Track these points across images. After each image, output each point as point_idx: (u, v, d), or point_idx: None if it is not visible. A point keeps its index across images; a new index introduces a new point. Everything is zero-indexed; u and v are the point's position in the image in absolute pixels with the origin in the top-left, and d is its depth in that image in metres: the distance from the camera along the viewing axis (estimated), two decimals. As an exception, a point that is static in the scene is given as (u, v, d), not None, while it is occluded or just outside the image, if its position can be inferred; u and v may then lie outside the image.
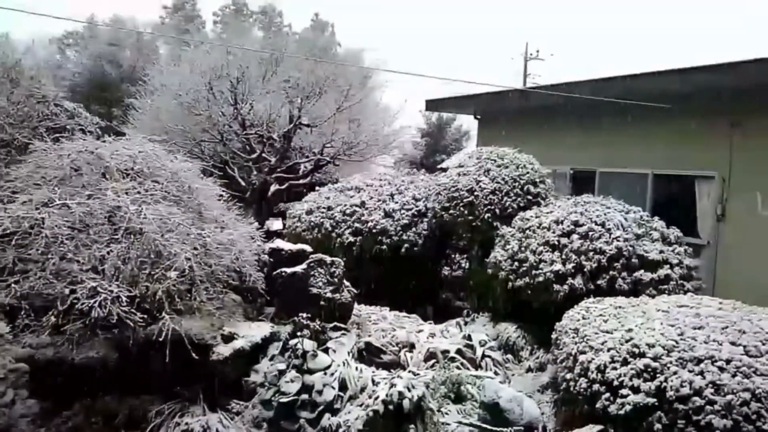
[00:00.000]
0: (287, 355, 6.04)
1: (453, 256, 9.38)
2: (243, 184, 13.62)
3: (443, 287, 9.43)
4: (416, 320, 8.28)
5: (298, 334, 6.30)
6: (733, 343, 4.81)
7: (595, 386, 4.98)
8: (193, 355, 5.22)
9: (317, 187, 12.21)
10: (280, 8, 36.47)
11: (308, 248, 7.72)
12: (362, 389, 5.81)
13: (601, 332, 5.40)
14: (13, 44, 17.67)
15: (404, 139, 19.68)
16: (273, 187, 13.87)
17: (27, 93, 7.96)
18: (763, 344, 4.80)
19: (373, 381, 5.91)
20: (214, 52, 13.94)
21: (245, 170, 14.28)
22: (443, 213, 9.31)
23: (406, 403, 5.30)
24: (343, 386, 5.79)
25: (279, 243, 7.72)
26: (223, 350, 5.92)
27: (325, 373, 5.86)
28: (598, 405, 4.92)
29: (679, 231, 8.02)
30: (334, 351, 6.31)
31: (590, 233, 7.43)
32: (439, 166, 20.56)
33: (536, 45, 44.62)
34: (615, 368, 4.93)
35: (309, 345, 6.08)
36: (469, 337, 7.25)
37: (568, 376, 5.36)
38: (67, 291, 4.88)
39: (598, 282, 7.15)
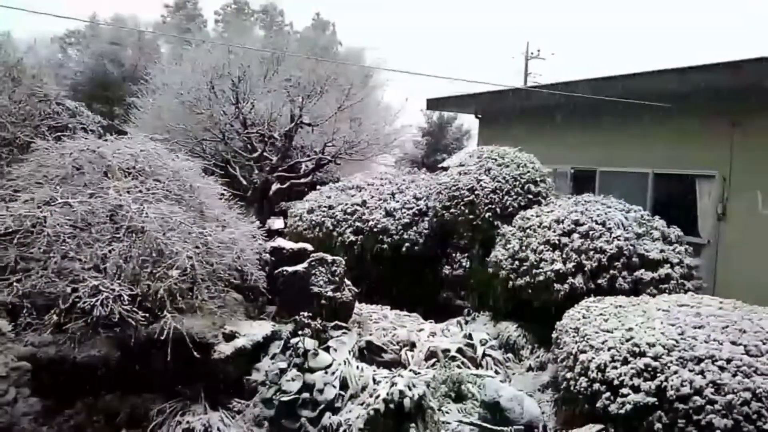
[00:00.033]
0: (288, 354, 6.05)
1: (454, 255, 9.39)
2: (244, 183, 13.63)
3: (444, 286, 9.44)
4: (417, 319, 8.28)
5: (299, 332, 6.32)
6: (733, 343, 4.82)
7: (596, 385, 4.99)
8: (195, 353, 5.25)
9: (318, 186, 12.22)
10: (281, 7, 36.49)
11: (309, 247, 7.73)
12: (363, 388, 5.82)
13: (601, 331, 5.41)
14: (15, 43, 17.68)
15: (405, 138, 19.67)
16: (274, 186, 13.88)
17: (29, 92, 7.97)
18: (764, 344, 4.81)
19: (374, 380, 5.91)
20: (216, 51, 13.93)
21: (247, 169, 14.29)
22: (444, 212, 9.32)
23: (406, 401, 5.30)
24: (344, 385, 5.80)
25: (280, 242, 7.73)
26: (225, 349, 5.93)
27: (326, 372, 5.87)
28: (598, 404, 4.93)
29: (679, 230, 8.03)
30: (335, 350, 6.32)
31: (591, 232, 7.44)
32: (440, 165, 20.55)
33: (537, 44, 44.58)
34: (615, 367, 4.94)
35: (310, 344, 6.09)
36: (470, 336, 7.25)
37: (569, 375, 5.37)
38: (68, 289, 4.89)
39: (599, 281, 7.16)
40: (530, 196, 9.08)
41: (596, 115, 11.32)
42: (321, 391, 5.67)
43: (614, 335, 5.24)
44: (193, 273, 5.38)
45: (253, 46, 14.48)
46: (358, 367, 6.10)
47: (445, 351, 6.80)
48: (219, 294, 5.99)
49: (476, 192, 9.02)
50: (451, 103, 15.96)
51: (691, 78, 9.40)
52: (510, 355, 7.31)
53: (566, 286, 7.14)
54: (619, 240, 7.31)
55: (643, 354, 4.86)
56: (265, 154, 13.70)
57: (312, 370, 5.86)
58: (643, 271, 7.22)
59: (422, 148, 28.19)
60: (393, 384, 5.48)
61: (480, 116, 15.46)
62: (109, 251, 5.12)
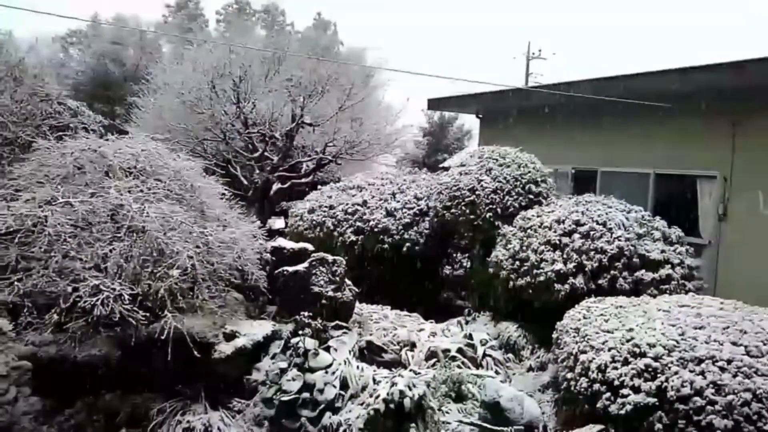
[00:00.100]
0: (289, 354, 6.05)
1: (454, 255, 9.39)
2: (245, 182, 13.63)
3: (444, 286, 9.45)
4: (417, 319, 8.29)
5: (300, 332, 6.32)
6: (734, 343, 4.82)
7: (596, 386, 4.99)
8: (195, 353, 5.25)
9: (319, 186, 12.23)
10: (282, 7, 36.54)
11: (310, 247, 7.73)
12: (363, 388, 5.82)
13: (602, 332, 5.40)
14: (17, 42, 17.69)
15: (406, 138, 19.68)
16: (275, 186, 13.88)
17: (30, 91, 7.98)
18: (765, 344, 4.80)
19: (374, 380, 5.92)
20: (217, 50, 13.94)
21: (247, 169, 14.29)
22: (445, 212, 9.32)
23: (407, 402, 5.31)
24: (344, 385, 5.80)
25: (281, 242, 7.73)
26: (225, 348, 5.94)
27: (327, 372, 5.88)
28: (598, 404, 4.92)
29: (680, 231, 8.02)
30: (336, 350, 6.32)
31: (591, 233, 7.43)
32: (440, 165, 20.55)
33: (538, 44, 44.64)
34: (616, 368, 4.94)
35: (310, 343, 6.09)
36: (470, 336, 7.26)
37: (569, 375, 5.37)
38: (69, 289, 4.89)
39: (600, 281, 7.16)
40: (531, 197, 9.07)
41: (597, 115, 11.32)
42: (321, 391, 5.68)
43: (615, 336, 5.23)
44: (194, 272, 5.38)
45: (255, 46, 14.48)
46: (358, 367, 6.11)
47: (446, 351, 6.80)
48: (219, 294, 5.99)
49: (477, 192, 9.01)
50: (452, 103, 15.96)
51: (693, 78, 9.40)
52: (510, 355, 7.30)
53: (567, 286, 7.14)
54: (619, 240, 7.31)
55: (643, 354, 4.86)
56: (266, 153, 13.70)
57: (312, 370, 5.86)
58: (643, 271, 7.22)
59: (423, 148, 28.20)
60: (393, 384, 5.48)
61: (481, 116, 15.45)
62: (110, 251, 5.13)
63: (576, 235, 7.47)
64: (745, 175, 9.05)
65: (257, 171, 13.86)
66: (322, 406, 5.59)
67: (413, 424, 5.32)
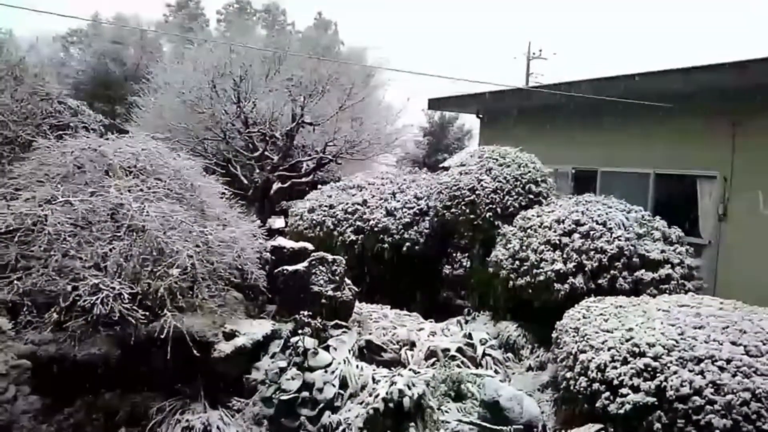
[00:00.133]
0: (288, 353, 6.05)
1: (454, 254, 9.39)
2: (245, 182, 13.63)
3: (444, 286, 9.45)
4: (417, 318, 8.29)
5: (299, 331, 6.32)
6: (733, 343, 4.82)
7: (595, 385, 4.99)
8: (195, 352, 5.25)
9: (319, 186, 12.24)
10: (283, 7, 36.56)
11: (310, 246, 7.73)
12: (363, 387, 5.83)
13: (601, 331, 5.41)
14: (17, 42, 17.68)
15: (406, 137, 19.67)
16: (275, 186, 13.88)
17: (31, 90, 7.99)
18: (764, 344, 4.80)
19: (373, 379, 5.92)
20: (218, 50, 13.93)
21: (248, 168, 14.29)
22: (445, 212, 9.32)
23: (406, 401, 5.31)
24: (343, 384, 5.80)
25: (281, 241, 7.73)
26: (225, 348, 5.94)
27: (326, 371, 5.88)
28: (598, 404, 4.93)
29: (680, 230, 8.02)
30: (335, 349, 6.33)
31: (591, 232, 7.43)
32: (441, 165, 20.55)
33: (539, 44, 44.55)
34: (615, 367, 4.94)
35: (310, 343, 6.10)
36: (470, 336, 7.26)
37: (569, 374, 5.37)
38: (69, 288, 4.90)
39: (599, 281, 7.16)
40: (531, 196, 9.07)
41: (597, 115, 11.31)
42: (320, 390, 5.68)
43: (614, 335, 5.24)
44: (194, 272, 5.38)
45: (255, 46, 14.47)
46: (357, 366, 6.11)
47: (445, 350, 6.80)
48: (219, 293, 6.00)
49: (477, 192, 9.01)
50: (452, 103, 15.97)
51: (693, 78, 9.40)
52: (510, 354, 7.31)
53: (566, 286, 7.14)
54: (619, 240, 7.31)
55: (642, 354, 4.86)
56: (266, 153, 13.70)
57: (312, 369, 5.87)
58: (643, 271, 7.22)
59: (423, 148, 28.20)
60: (392, 383, 5.49)
61: (481, 116, 15.46)
62: (110, 250, 5.13)
63: (576, 235, 7.47)
64: (745, 175, 9.05)
65: (257, 170, 13.86)
66: (322, 405, 5.60)
67: (412, 423, 5.33)
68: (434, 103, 16.41)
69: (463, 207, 9.05)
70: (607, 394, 4.88)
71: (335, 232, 9.92)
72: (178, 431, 5.31)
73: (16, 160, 6.49)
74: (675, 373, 4.63)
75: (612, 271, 7.17)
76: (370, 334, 7.12)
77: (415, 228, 9.71)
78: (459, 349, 6.86)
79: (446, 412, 5.77)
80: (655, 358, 4.78)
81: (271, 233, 10.33)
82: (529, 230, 7.98)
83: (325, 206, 10.41)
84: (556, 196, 9.31)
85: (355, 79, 14.25)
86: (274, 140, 13.80)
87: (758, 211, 8.75)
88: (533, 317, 7.57)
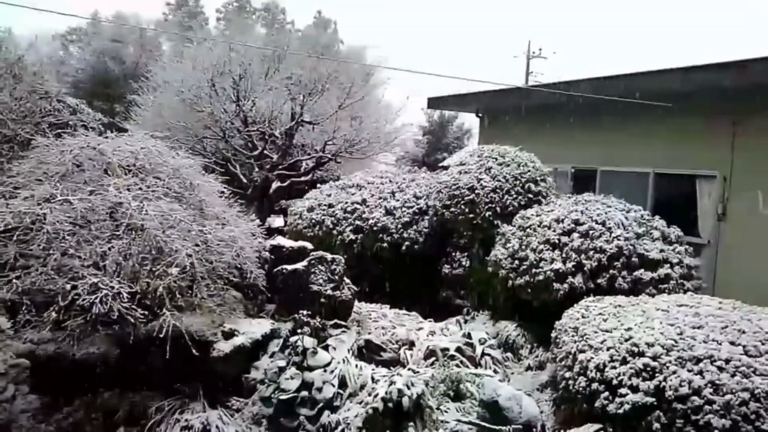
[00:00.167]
0: (287, 352, 6.05)
1: (453, 254, 9.40)
2: (245, 181, 13.61)
3: (443, 285, 9.45)
4: (416, 318, 8.29)
5: (299, 331, 6.32)
6: (732, 343, 4.82)
7: (594, 385, 4.99)
8: (194, 351, 5.24)
9: (319, 185, 12.23)
10: (282, 5, 36.57)
11: (309, 245, 7.73)
12: (362, 387, 5.82)
13: (600, 331, 5.40)
14: (16, 40, 17.65)
15: (406, 136, 19.64)
16: (274, 185, 13.86)
17: (30, 89, 7.98)
18: (763, 344, 4.80)
19: (372, 378, 5.92)
20: (217, 48, 13.91)
21: (247, 167, 14.27)
22: (444, 211, 9.32)
23: (405, 400, 5.31)
24: (342, 384, 5.80)
25: (280, 240, 7.73)
26: (224, 347, 5.94)
27: (325, 371, 5.88)
28: (596, 404, 4.93)
29: (679, 230, 8.02)
30: (334, 348, 6.33)
31: (591, 232, 7.43)
32: (440, 164, 20.54)
33: (539, 43, 44.65)
34: (614, 367, 4.94)
35: (309, 342, 6.09)
36: (469, 335, 7.26)
37: (567, 374, 5.37)
38: (68, 287, 4.89)
39: (598, 281, 7.16)
40: (530, 196, 9.07)
41: (597, 114, 11.31)
42: (320, 390, 5.68)
43: (613, 335, 5.23)
44: (193, 271, 5.38)
45: (255, 44, 14.45)
46: (357, 366, 6.11)
47: (444, 350, 6.80)
48: (218, 292, 5.99)
49: (476, 191, 9.01)
50: (451, 101, 15.96)
51: (693, 77, 9.40)
52: (509, 354, 7.31)
53: (566, 285, 7.14)
54: (618, 240, 7.31)
55: (641, 354, 4.86)
56: (265, 152, 13.68)
57: (311, 369, 5.86)
58: (642, 270, 7.22)
59: (423, 147, 28.21)
60: (392, 383, 5.49)
61: (481, 115, 15.45)
62: (109, 248, 5.12)
63: (575, 235, 7.47)
64: (744, 175, 9.05)
65: (256, 169, 13.85)
66: (321, 404, 5.60)
67: (412, 423, 5.33)
68: (434, 102, 16.40)
69: (463, 206, 9.04)
70: (606, 393, 4.88)
71: (334, 232, 9.92)
72: (177, 431, 5.31)
73: (14, 159, 6.49)
74: (674, 372, 4.63)
75: (611, 271, 7.17)
76: (369, 333, 7.13)
77: (415, 227, 9.71)
78: (458, 349, 6.86)
79: (445, 411, 5.77)
80: (654, 358, 4.78)
81: (270, 232, 10.33)
82: (528, 230, 7.97)
83: (325, 205, 10.41)
84: (555, 196, 9.31)
85: (354, 78, 14.22)
86: (273, 139, 13.78)
87: (758, 211, 8.75)
88: (532, 317, 7.57)
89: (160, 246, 5.29)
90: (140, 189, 5.71)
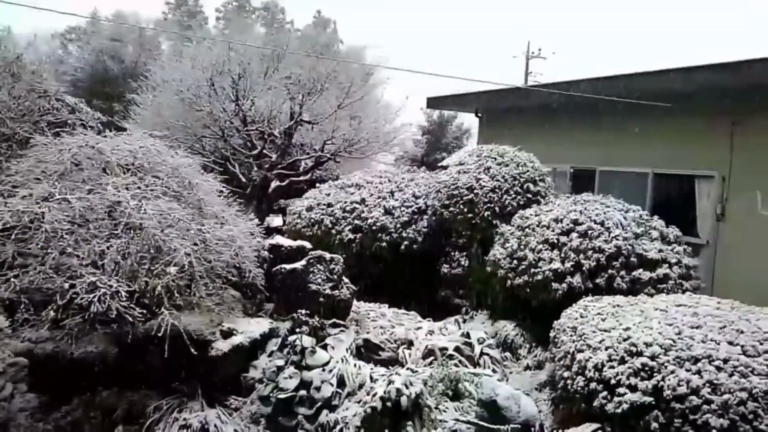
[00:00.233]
0: (286, 352, 6.05)
1: (452, 253, 9.39)
2: (243, 180, 13.60)
3: (442, 285, 9.44)
4: (415, 317, 8.29)
5: (297, 330, 6.32)
6: (730, 343, 4.82)
7: (593, 384, 4.99)
8: (192, 350, 5.24)
9: (318, 184, 12.22)
10: (282, 5, 36.59)
11: (308, 245, 7.73)
12: (360, 386, 5.82)
13: (599, 331, 5.41)
14: (15, 39, 17.64)
15: (405, 136, 19.61)
16: (273, 184, 13.85)
17: (28, 87, 7.97)
18: (761, 344, 4.80)
19: (371, 378, 5.91)
20: (216, 48, 13.89)
21: (246, 166, 14.26)
22: (443, 210, 9.32)
23: (404, 400, 5.31)
24: (341, 383, 5.80)
25: (279, 239, 7.73)
26: (222, 346, 5.94)
27: (324, 370, 5.87)
28: (595, 403, 4.93)
29: (678, 230, 8.03)
30: (333, 347, 6.32)
31: (589, 232, 7.44)
32: (439, 164, 20.54)
33: (538, 43, 44.67)
34: (612, 367, 4.94)
35: (308, 341, 6.09)
36: (468, 335, 7.26)
37: (566, 374, 5.38)
38: (66, 285, 4.88)
39: (597, 280, 7.16)
40: (529, 196, 9.07)
41: (596, 114, 11.32)
42: (318, 389, 5.68)
43: (611, 335, 5.24)
44: (191, 270, 5.37)
45: (254, 44, 14.44)
46: (355, 365, 6.10)
47: (443, 349, 6.80)
48: (217, 291, 5.99)
49: (475, 191, 9.01)
50: (451, 101, 15.96)
51: (692, 78, 9.40)
52: (508, 353, 7.31)
53: (564, 285, 7.14)
54: (617, 240, 7.32)
55: (640, 353, 4.86)
56: (264, 151, 13.67)
57: (309, 368, 5.86)
58: (641, 270, 7.22)
59: (422, 147, 28.20)
60: (390, 382, 5.49)
61: (480, 115, 15.45)
62: (107, 247, 5.11)
63: (574, 234, 7.48)
64: (743, 175, 9.06)
65: (255, 168, 13.83)
66: (319, 403, 5.59)
67: (410, 422, 5.33)
68: (433, 102, 16.40)
69: (462, 206, 9.04)
70: (605, 393, 4.89)
71: (333, 231, 9.92)
72: (175, 429, 5.30)
73: (13, 157, 6.47)
74: (672, 372, 4.63)
75: (610, 271, 7.18)
76: (368, 332, 7.13)
77: (414, 227, 9.71)
78: (457, 348, 6.86)
79: (444, 411, 5.76)
80: (653, 358, 4.78)
81: (269, 232, 10.31)
82: (527, 229, 7.98)
83: (324, 205, 10.41)
84: (554, 196, 9.32)
85: (353, 78, 14.21)
86: (272, 138, 13.77)
87: (756, 211, 8.76)
88: (531, 316, 7.58)
89: (159, 245, 5.28)
90: (139, 188, 5.70)
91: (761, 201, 8.75)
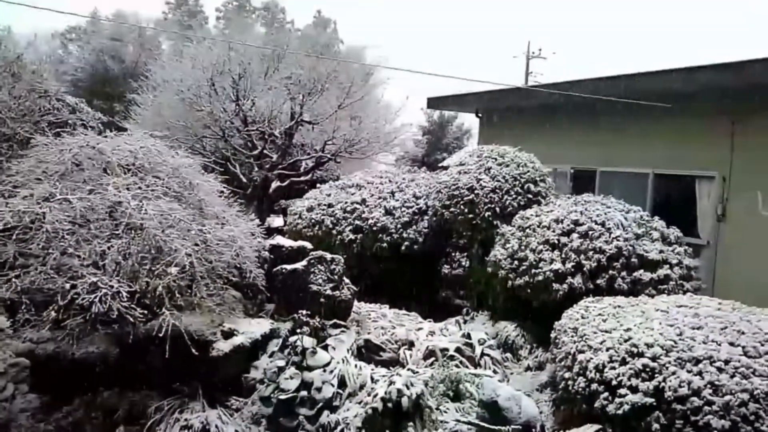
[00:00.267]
0: (287, 352, 6.05)
1: (453, 254, 9.39)
2: (244, 180, 13.60)
3: (443, 285, 9.45)
4: (416, 318, 8.29)
5: (298, 330, 6.32)
6: (731, 344, 4.82)
7: (594, 385, 4.99)
8: (193, 351, 5.24)
9: (318, 184, 12.22)
10: (282, 5, 36.60)
11: (308, 245, 7.73)
12: (361, 387, 5.82)
13: (599, 331, 5.41)
14: (15, 38, 17.65)
15: (405, 136, 19.61)
16: (274, 184, 13.85)
17: (29, 87, 7.97)
18: (762, 345, 4.80)
19: (372, 378, 5.92)
20: (217, 48, 13.88)
21: (246, 167, 14.26)
22: (444, 211, 9.31)
23: (404, 400, 5.31)
24: (342, 383, 5.80)
25: (279, 240, 7.73)
26: (223, 346, 5.93)
27: (325, 371, 5.87)
28: (596, 404, 4.93)
29: (679, 231, 8.02)
30: (334, 348, 6.32)
31: (590, 232, 7.43)
32: (440, 164, 20.54)
33: (538, 43, 44.65)
34: (613, 368, 4.94)
35: (308, 342, 6.09)
36: (469, 336, 7.26)
37: (567, 375, 5.38)
38: (67, 286, 4.88)
39: (598, 281, 7.16)
40: (530, 196, 9.07)
41: (596, 114, 11.31)
42: (319, 390, 5.68)
43: (612, 335, 5.24)
44: (192, 270, 5.37)
45: (254, 44, 14.43)
46: (356, 366, 6.10)
47: (444, 350, 6.80)
48: (218, 291, 5.99)
49: (476, 191, 9.01)
50: (451, 101, 15.95)
51: (692, 78, 9.40)
52: (508, 354, 7.31)
53: (565, 286, 7.14)
54: (618, 240, 7.31)
55: (641, 354, 4.86)
56: (265, 151, 13.67)
57: (310, 369, 5.86)
58: (642, 271, 7.22)
59: (422, 147, 28.20)
60: (391, 383, 5.49)
61: (480, 115, 15.45)
62: (108, 248, 5.11)
63: (574, 235, 7.47)
64: (744, 176, 9.06)
65: (256, 169, 13.83)
66: (320, 404, 5.60)
67: (411, 423, 5.33)
68: (433, 102, 16.40)
69: (462, 206, 9.04)
70: (606, 394, 4.89)
71: (334, 231, 9.92)
72: (176, 430, 5.30)
73: (14, 158, 6.47)
74: (673, 373, 4.63)
75: (610, 271, 7.18)
76: (368, 333, 7.13)
77: (414, 227, 9.71)
78: (457, 349, 6.86)
79: (445, 411, 5.76)
80: (654, 359, 4.78)
81: (270, 232, 10.32)
82: (527, 230, 7.97)
83: (324, 205, 10.41)
84: (554, 196, 9.31)
85: (354, 78, 14.21)
86: (273, 138, 13.77)
87: (757, 211, 8.76)
88: (532, 317, 7.58)
89: (160, 245, 5.28)
90: (139, 188, 5.70)
91: (762, 201, 8.75)
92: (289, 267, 7.13)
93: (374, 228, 9.67)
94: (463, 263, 9.18)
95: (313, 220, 10.28)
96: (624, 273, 7.19)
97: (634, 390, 4.72)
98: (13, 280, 4.83)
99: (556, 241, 7.50)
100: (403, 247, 9.54)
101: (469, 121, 27.37)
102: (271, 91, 13.48)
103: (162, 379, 5.62)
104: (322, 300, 7.03)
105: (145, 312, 5.09)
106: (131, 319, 4.95)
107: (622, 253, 7.24)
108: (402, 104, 16.27)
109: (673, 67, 9.50)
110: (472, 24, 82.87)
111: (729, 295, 6.42)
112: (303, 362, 5.88)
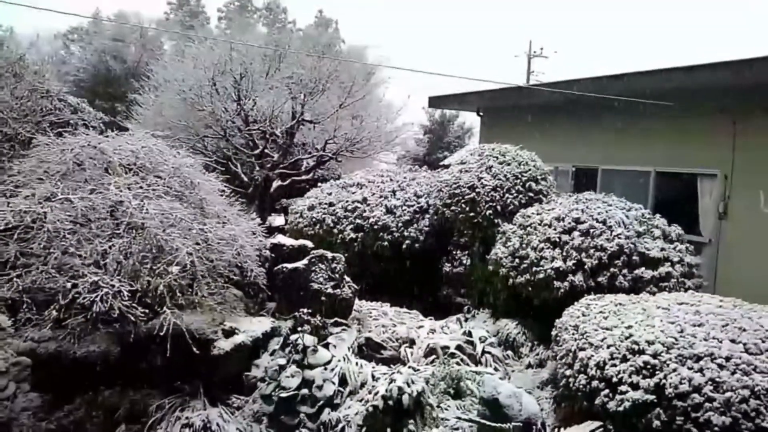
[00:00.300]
0: (288, 350, 6.05)
1: (454, 252, 9.40)
2: (245, 179, 13.61)
3: (444, 283, 9.46)
4: (417, 316, 8.29)
5: (299, 329, 6.33)
6: (732, 341, 4.82)
7: (595, 383, 4.99)
8: (194, 349, 5.26)
9: (319, 184, 12.23)
10: (284, 5, 36.61)
11: (309, 244, 7.74)
12: (362, 384, 5.83)
13: (600, 329, 5.41)
14: (18, 39, 17.74)
15: (407, 135, 19.62)
16: (275, 183, 13.86)
17: (31, 87, 7.99)
18: (763, 342, 4.81)
19: (373, 376, 5.92)
20: (218, 48, 13.90)
21: (248, 166, 14.28)
22: (445, 209, 9.31)
23: (405, 398, 5.32)
24: (343, 381, 5.81)
25: (280, 238, 7.74)
26: (224, 345, 5.95)
27: (326, 369, 5.88)
28: (597, 401, 4.93)
29: (680, 229, 8.01)
30: (335, 346, 6.33)
31: (591, 230, 7.43)
32: (441, 163, 20.53)
33: (540, 42, 44.56)
34: (614, 365, 4.94)
35: (309, 340, 6.10)
36: (470, 333, 7.26)
37: (568, 372, 5.38)
38: (68, 285, 4.89)
39: (599, 279, 7.15)
40: (531, 194, 9.06)
41: (598, 113, 11.30)
42: (320, 388, 5.69)
43: (614, 333, 5.23)
44: (193, 269, 5.38)
45: (256, 43, 14.45)
46: (357, 364, 6.11)
47: (445, 348, 6.81)
48: (219, 290, 6.01)
49: (477, 190, 9.00)
50: (453, 100, 15.94)
51: (694, 77, 9.37)
52: (509, 352, 7.32)
53: (566, 283, 7.14)
54: (619, 238, 7.31)
55: (642, 352, 4.86)
56: (266, 151, 13.68)
57: (311, 367, 5.87)
58: (643, 269, 7.21)
59: (424, 146, 28.18)
60: (392, 380, 5.49)
61: (482, 114, 15.44)
62: (109, 247, 5.13)
63: (576, 233, 7.47)
64: (745, 174, 9.04)
65: (257, 168, 13.84)
66: (321, 402, 5.60)
67: (412, 421, 5.33)
68: (435, 101, 16.39)
69: (463, 205, 9.04)
70: (607, 391, 4.88)
71: (335, 230, 9.93)
72: (177, 428, 5.31)
73: (15, 158, 6.50)
74: (674, 370, 4.63)
75: (612, 269, 7.17)
76: (369, 331, 7.13)
77: (415, 226, 9.71)
78: (458, 347, 6.87)
79: (445, 409, 5.77)
80: (655, 356, 4.78)
81: (271, 231, 10.34)
82: (529, 228, 7.97)
83: (325, 204, 10.41)
84: (556, 194, 9.31)
85: (355, 77, 14.22)
86: (274, 138, 13.78)
87: (758, 209, 8.74)
88: (533, 315, 7.58)
89: (161, 244, 5.30)
90: (141, 188, 5.72)
91: (763, 199, 8.73)
92: (290, 266, 7.14)
93: (375, 227, 9.67)
94: (464, 261, 9.19)
95: (314, 219, 10.29)
96: (625, 271, 7.18)
97: (634, 387, 4.72)
98: (15, 279, 4.85)
99: (558, 239, 7.50)
100: (404, 246, 9.54)
101: (471, 119, 27.39)
102: (273, 91, 13.49)
103: (163, 377, 5.64)
104: (323, 298, 7.04)
105: (147, 311, 5.11)
106: (132, 318, 4.97)
107: (624, 251, 7.24)
108: (403, 103, 16.30)
109: (674, 66, 9.48)
110: (474, 23, 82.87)
111: (730, 292, 6.41)
112: (304, 360, 5.89)
